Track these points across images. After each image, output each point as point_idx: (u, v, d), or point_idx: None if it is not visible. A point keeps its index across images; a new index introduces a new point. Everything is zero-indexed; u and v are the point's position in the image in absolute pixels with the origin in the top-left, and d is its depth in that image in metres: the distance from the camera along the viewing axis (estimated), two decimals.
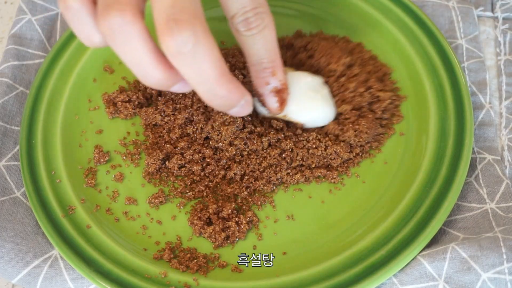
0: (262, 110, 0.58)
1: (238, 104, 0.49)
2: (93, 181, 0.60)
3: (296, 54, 0.66)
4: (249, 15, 0.48)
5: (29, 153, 0.60)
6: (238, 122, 0.58)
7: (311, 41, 0.65)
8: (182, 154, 0.60)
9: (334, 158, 0.59)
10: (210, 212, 0.56)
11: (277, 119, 0.60)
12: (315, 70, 0.63)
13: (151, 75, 0.46)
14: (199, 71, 0.44)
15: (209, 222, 0.57)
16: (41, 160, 0.60)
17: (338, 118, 0.61)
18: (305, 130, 0.61)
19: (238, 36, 0.50)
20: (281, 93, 0.55)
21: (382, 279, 0.51)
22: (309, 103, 0.58)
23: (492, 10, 0.72)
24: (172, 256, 0.55)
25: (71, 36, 0.68)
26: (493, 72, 0.68)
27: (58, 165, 0.60)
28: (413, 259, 0.52)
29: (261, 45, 0.50)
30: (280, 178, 0.59)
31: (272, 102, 0.55)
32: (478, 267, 0.51)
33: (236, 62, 0.64)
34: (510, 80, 0.66)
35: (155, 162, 0.59)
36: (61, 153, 0.61)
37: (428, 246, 0.54)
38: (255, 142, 0.59)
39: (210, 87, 0.46)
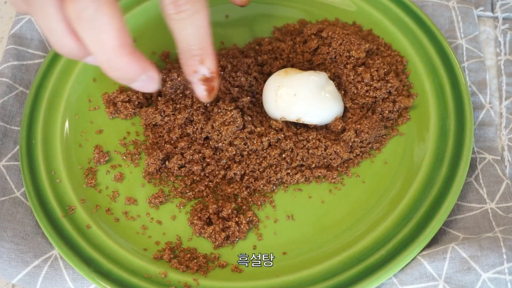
0: (274, 113, 0.59)
1: (138, 79, 0.48)
2: (93, 181, 0.59)
3: (306, 41, 0.66)
4: None
5: (29, 153, 0.60)
6: (238, 122, 0.58)
7: (325, 28, 0.65)
8: (182, 154, 0.60)
9: (334, 158, 0.59)
10: (210, 212, 0.56)
11: (284, 122, 0.60)
12: (331, 58, 0.63)
13: (63, 43, 0.46)
14: (98, 39, 0.44)
15: (209, 222, 0.57)
16: (41, 160, 0.60)
17: (344, 113, 0.61)
18: (306, 128, 0.61)
19: (167, 19, 0.47)
20: (210, 82, 0.53)
21: (382, 279, 0.51)
22: (322, 103, 0.59)
23: (492, 10, 0.72)
24: (172, 256, 0.55)
25: None
26: (493, 72, 0.68)
27: (58, 165, 0.60)
28: (413, 259, 0.52)
29: (191, 30, 0.48)
30: (280, 178, 0.59)
31: (200, 90, 0.53)
32: (478, 267, 0.51)
33: (237, 63, 0.64)
34: (510, 80, 0.66)
35: (155, 162, 0.59)
36: (61, 153, 0.61)
37: (428, 246, 0.54)
38: (255, 142, 0.59)
39: (108, 57, 0.45)
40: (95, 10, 0.42)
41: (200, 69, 0.51)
